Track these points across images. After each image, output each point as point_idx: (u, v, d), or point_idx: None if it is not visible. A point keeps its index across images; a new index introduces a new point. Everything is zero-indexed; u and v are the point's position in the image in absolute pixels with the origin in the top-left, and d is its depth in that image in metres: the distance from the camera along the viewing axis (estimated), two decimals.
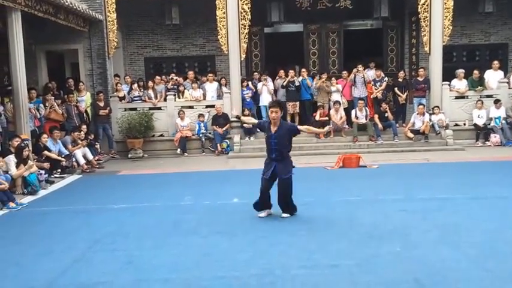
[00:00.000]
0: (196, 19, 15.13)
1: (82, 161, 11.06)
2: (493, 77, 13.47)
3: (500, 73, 13.58)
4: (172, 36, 15.58)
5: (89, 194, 8.74)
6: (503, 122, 12.71)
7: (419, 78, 13.54)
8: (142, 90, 13.65)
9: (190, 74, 14.14)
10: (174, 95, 13.51)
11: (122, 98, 13.50)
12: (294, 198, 7.81)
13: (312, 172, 10.06)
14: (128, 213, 7.11)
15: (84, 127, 11.86)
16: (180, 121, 13.13)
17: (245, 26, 13.10)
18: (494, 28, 15.30)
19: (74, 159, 10.91)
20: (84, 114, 12.60)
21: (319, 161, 11.08)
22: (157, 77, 14.15)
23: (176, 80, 13.96)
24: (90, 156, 11.43)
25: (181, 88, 13.62)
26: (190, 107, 13.46)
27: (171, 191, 8.65)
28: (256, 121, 7.57)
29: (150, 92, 13.49)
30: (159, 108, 13.36)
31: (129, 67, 15.62)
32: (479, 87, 13.28)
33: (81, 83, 12.87)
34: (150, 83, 13.67)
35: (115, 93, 13.46)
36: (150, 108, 13.25)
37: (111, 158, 12.84)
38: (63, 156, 10.58)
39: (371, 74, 13.86)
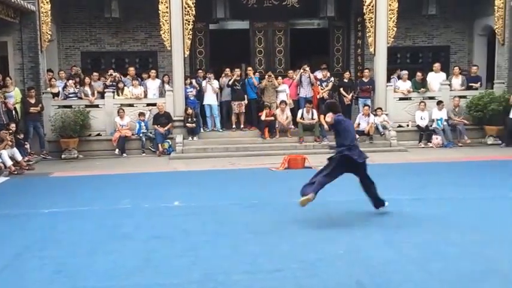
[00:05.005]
0: (138, 13, 14.54)
1: (9, 162, 10.26)
2: (435, 79, 13.73)
3: (442, 75, 13.86)
4: (111, 30, 14.88)
5: (16, 198, 8.18)
6: (445, 123, 12.96)
7: (364, 79, 13.59)
8: (78, 86, 12.93)
9: (131, 70, 13.56)
10: (113, 92, 12.90)
11: (55, 95, 12.71)
12: (236, 200, 7.59)
13: (256, 173, 9.90)
14: (60, 218, 6.73)
15: (12, 125, 11.03)
16: (119, 120, 12.53)
17: (189, 21, 12.68)
18: (437, 31, 15.65)
19: (0, 160, 10.08)
20: (13, 111, 11.69)
21: (265, 162, 10.85)
22: (95, 73, 13.46)
23: (115, 76, 13.30)
24: (18, 157, 10.66)
25: (120, 85, 13.01)
26: (130, 105, 12.90)
27: (108, 194, 8.25)
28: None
29: (87, 88, 12.80)
30: (96, 106, 12.71)
31: (64, 61, 14.79)
32: (422, 89, 13.50)
33: (8, 78, 11.96)
34: (87, 79, 12.96)
35: (48, 89, 12.64)
36: (87, 106, 12.59)
37: (43, 158, 12.05)
38: None
39: (320, 75, 13.80)
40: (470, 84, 13.57)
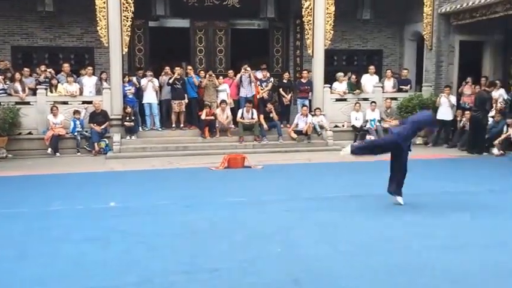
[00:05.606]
0: (73, 7, 14.03)
1: None
2: (369, 81, 14.28)
3: (376, 78, 14.45)
4: (44, 24, 14.26)
5: None
6: (378, 124, 13.48)
7: (303, 80, 13.90)
8: (7, 82, 12.29)
9: (65, 66, 13.09)
10: (46, 88, 12.39)
11: None
12: (175, 200, 7.46)
13: (196, 173, 9.84)
14: None
15: None
16: (53, 118, 12.06)
17: (127, 18, 12.43)
18: (371, 35, 16.26)
19: None
20: None
21: (204, 161, 10.82)
22: (26, 69, 12.86)
23: (49, 72, 12.78)
24: None
25: (54, 81, 12.52)
26: (65, 103, 12.44)
27: (39, 195, 7.91)
28: None
29: (17, 84, 12.20)
30: (28, 103, 12.18)
31: None
32: (357, 91, 13.99)
33: None
34: (17, 75, 12.35)
35: None
36: (17, 103, 12.02)
37: None
38: None
39: (260, 75, 13.94)
40: (400, 86, 14.24)
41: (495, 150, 11.74)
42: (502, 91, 13.07)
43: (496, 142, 11.84)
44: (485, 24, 13.41)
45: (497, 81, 13.40)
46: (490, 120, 12.30)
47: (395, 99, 13.97)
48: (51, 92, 12.49)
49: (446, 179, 8.95)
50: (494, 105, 12.49)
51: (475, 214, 6.51)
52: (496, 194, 7.72)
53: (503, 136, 11.91)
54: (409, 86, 14.37)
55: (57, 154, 11.82)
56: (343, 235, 5.65)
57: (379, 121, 13.54)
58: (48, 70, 12.94)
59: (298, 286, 4.25)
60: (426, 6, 14.10)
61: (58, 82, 12.62)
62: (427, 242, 5.35)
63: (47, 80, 12.67)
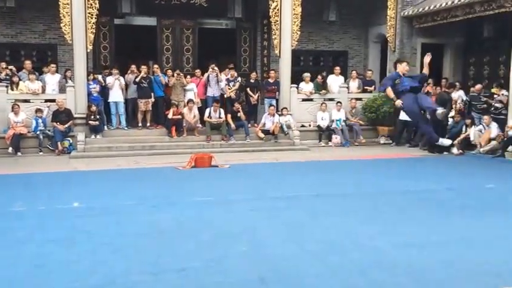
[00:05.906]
0: (35, 3, 13.70)
1: None
2: (335, 81, 14.51)
3: (341, 78, 14.70)
4: (5, 20, 13.85)
5: None
6: (343, 124, 13.73)
7: (270, 80, 13.99)
8: None
9: (27, 63, 12.75)
10: (7, 86, 12.05)
11: None
12: (141, 200, 7.31)
13: (162, 172, 9.77)
14: None
15: None
16: (14, 116, 11.73)
17: (92, 15, 12.20)
18: (337, 36, 16.52)
19: None
20: None
21: (171, 160, 10.76)
22: None
23: (10, 69, 12.44)
24: None
25: (15, 79, 12.19)
26: (26, 101, 12.13)
27: (0, 195, 7.65)
28: None
29: None
30: None
31: None
32: (323, 91, 14.19)
33: None
34: None
35: None
36: None
37: None
38: None
39: (228, 74, 13.94)
40: (365, 87, 14.54)
41: (454, 150, 12.12)
42: (461, 92, 13.55)
43: (456, 142, 12.23)
44: (446, 27, 13.86)
45: (457, 83, 13.88)
46: (450, 120, 12.71)
47: (360, 99, 14.24)
48: (12, 89, 12.17)
49: (409, 178, 9.22)
50: (454, 106, 12.91)
51: (436, 212, 6.71)
52: (454, 192, 7.99)
53: (462, 136, 12.34)
54: (373, 86, 14.68)
55: (19, 154, 11.52)
56: (310, 234, 5.68)
57: (344, 121, 13.79)
58: (9, 67, 12.61)
59: (265, 285, 4.27)
60: (390, 9, 14.44)
61: (19, 79, 12.31)
62: (390, 239, 5.46)
63: (7, 77, 12.32)
